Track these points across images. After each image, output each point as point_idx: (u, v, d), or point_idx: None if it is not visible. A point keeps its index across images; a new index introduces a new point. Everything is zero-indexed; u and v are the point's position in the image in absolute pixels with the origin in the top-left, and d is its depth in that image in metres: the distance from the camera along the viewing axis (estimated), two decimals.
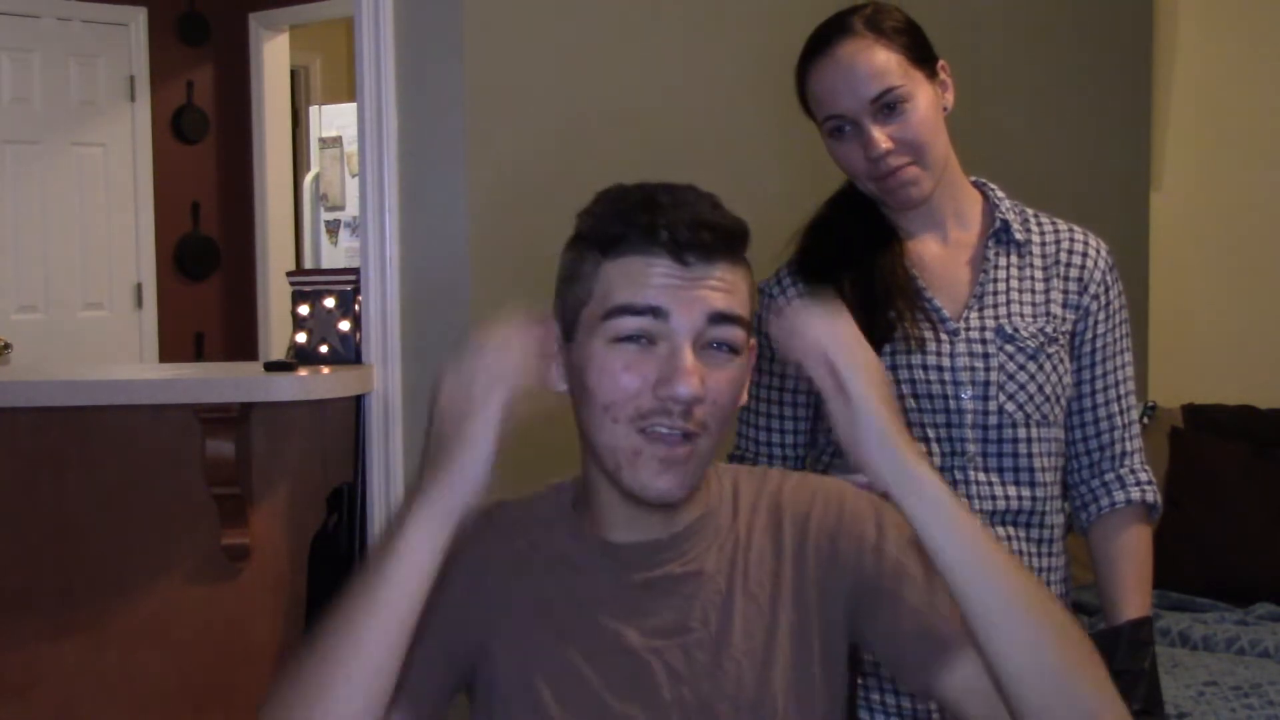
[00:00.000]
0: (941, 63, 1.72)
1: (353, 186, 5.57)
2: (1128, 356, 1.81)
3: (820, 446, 1.80)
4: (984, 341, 1.71)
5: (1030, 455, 1.72)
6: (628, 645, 1.23)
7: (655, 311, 1.18)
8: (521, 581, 1.26)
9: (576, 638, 1.24)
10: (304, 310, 2.80)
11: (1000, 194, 1.80)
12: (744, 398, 1.25)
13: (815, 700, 1.25)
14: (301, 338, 2.80)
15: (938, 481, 1.15)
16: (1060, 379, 1.74)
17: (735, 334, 1.21)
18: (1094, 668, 1.15)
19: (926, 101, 1.67)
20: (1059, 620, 1.16)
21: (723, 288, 1.20)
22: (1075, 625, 1.18)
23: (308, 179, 6.08)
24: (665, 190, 1.21)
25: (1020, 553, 1.72)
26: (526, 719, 1.23)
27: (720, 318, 1.19)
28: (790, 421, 1.79)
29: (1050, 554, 1.76)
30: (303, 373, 2.68)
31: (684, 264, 1.18)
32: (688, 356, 1.17)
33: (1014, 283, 1.75)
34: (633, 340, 1.19)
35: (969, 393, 1.70)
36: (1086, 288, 1.77)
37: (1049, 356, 1.73)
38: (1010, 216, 1.77)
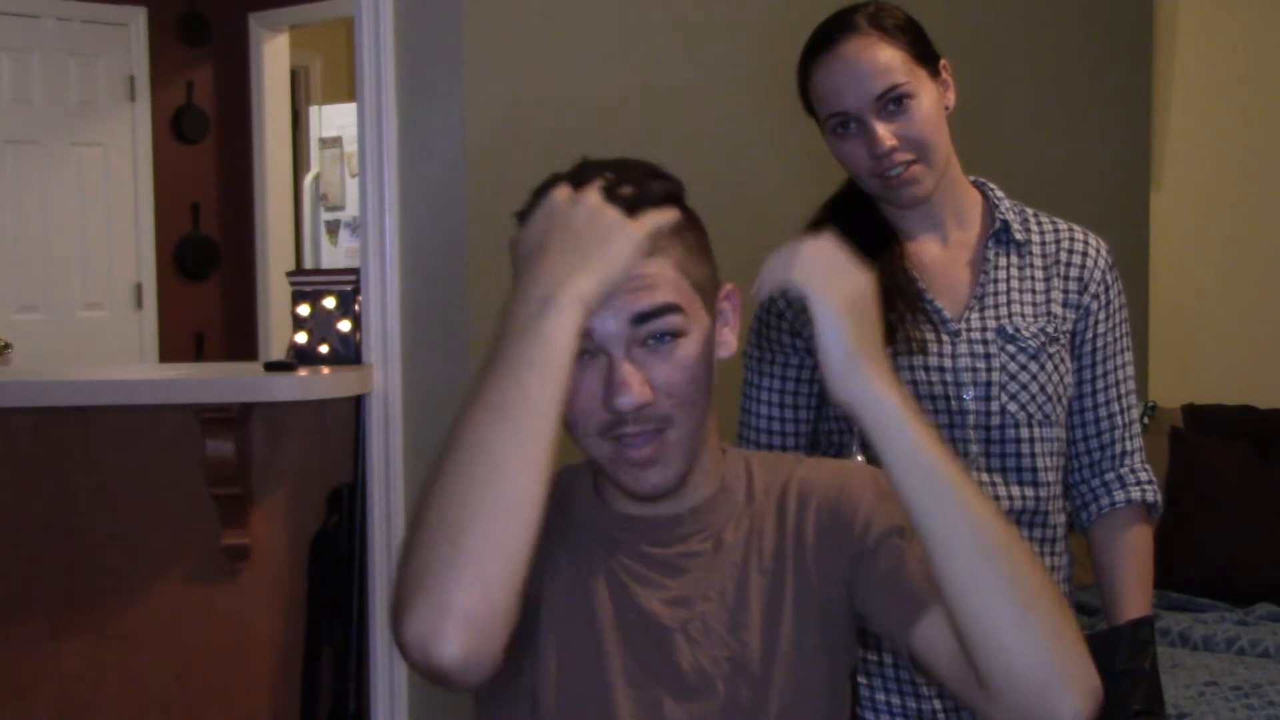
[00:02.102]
0: (943, 62, 1.71)
1: (353, 186, 5.57)
2: (1128, 356, 1.81)
3: (821, 448, 1.80)
4: (985, 342, 1.71)
5: (1033, 455, 1.71)
6: (650, 613, 1.24)
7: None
8: (560, 543, 1.25)
9: (604, 602, 1.24)
10: (304, 310, 2.80)
11: (1000, 194, 1.80)
12: (732, 347, 1.25)
13: (814, 677, 1.25)
14: (301, 338, 2.80)
15: (898, 404, 1.11)
16: (1062, 378, 1.74)
17: (671, 321, 1.16)
18: (1066, 625, 1.08)
19: (930, 99, 1.67)
20: (1027, 567, 1.09)
21: (640, 285, 1.15)
22: (1048, 579, 1.11)
23: (308, 179, 6.08)
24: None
25: None
26: (557, 670, 1.23)
27: (645, 316, 1.15)
28: (791, 410, 1.79)
29: (1054, 553, 1.76)
30: (303, 373, 2.68)
31: None
32: (623, 367, 1.15)
33: (1014, 283, 1.75)
34: (578, 358, 1.14)
35: (971, 393, 1.69)
36: (1086, 287, 1.77)
37: (1050, 356, 1.73)
38: (1010, 216, 1.77)
